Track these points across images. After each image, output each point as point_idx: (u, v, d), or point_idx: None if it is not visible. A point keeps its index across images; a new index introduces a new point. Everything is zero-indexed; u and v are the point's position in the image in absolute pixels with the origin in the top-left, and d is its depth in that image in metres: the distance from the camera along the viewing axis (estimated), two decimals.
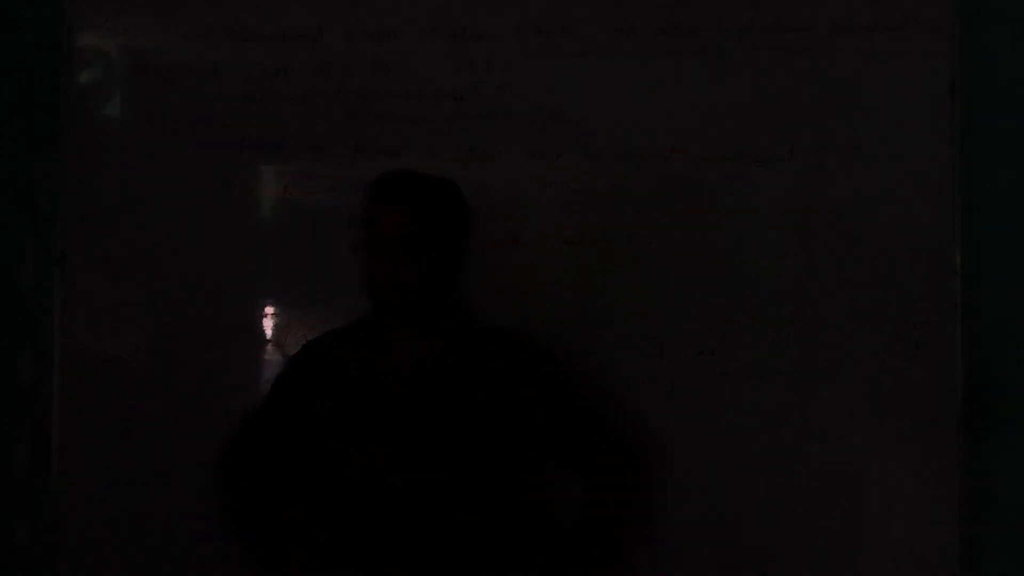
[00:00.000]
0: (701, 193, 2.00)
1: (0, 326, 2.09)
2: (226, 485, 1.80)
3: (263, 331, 2.02)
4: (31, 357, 2.07)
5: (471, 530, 1.64)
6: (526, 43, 2.01)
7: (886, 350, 1.97)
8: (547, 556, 1.72)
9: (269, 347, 2.01)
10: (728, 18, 2.00)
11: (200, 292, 2.01)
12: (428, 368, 1.68)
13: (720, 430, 1.97)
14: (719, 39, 2.00)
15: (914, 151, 1.98)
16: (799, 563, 1.96)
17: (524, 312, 1.97)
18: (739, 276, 1.99)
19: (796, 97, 1.99)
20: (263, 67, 2.02)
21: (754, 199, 2.00)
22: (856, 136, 1.98)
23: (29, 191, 2.09)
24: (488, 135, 2.00)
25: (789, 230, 2.00)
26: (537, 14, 2.01)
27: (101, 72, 2.03)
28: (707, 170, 1.99)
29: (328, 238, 2.00)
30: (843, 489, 1.97)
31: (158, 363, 2.00)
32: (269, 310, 2.02)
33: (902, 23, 1.98)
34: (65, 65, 2.03)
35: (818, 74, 1.99)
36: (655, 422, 1.96)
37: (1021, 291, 2.02)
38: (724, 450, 1.97)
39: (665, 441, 1.96)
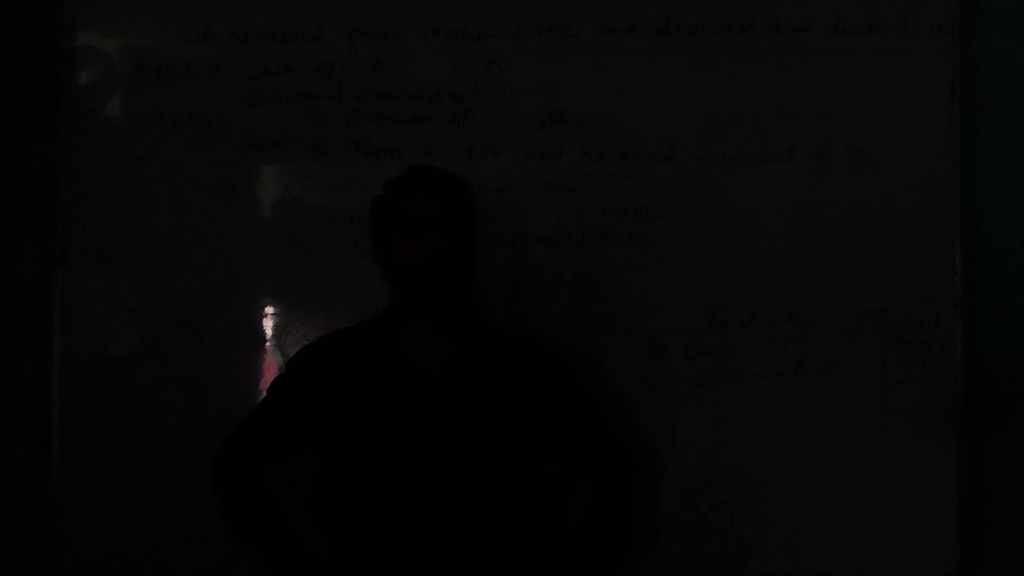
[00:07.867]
0: (701, 193, 2.00)
1: (0, 326, 2.09)
2: (222, 492, 1.78)
3: (263, 331, 2.02)
4: (31, 357, 2.07)
5: (488, 533, 1.63)
6: (526, 43, 2.01)
7: (886, 350, 1.97)
8: (556, 558, 1.74)
9: (269, 347, 2.01)
10: (728, 18, 2.00)
11: (200, 292, 2.01)
12: (451, 369, 1.65)
13: (720, 430, 1.98)
14: (719, 39, 2.00)
15: (914, 151, 1.98)
16: (799, 562, 1.97)
17: (524, 312, 1.97)
18: (739, 276, 2.00)
19: (796, 97, 1.99)
20: (263, 67, 2.02)
21: (754, 199, 2.00)
22: (856, 136, 1.99)
23: (29, 191, 2.09)
24: (488, 135, 2.00)
25: (789, 230, 2.00)
26: (537, 14, 2.01)
27: (101, 72, 2.03)
28: (707, 170, 2.00)
29: (328, 238, 2.00)
30: (843, 489, 1.97)
31: (158, 363, 2.00)
32: (269, 310, 2.02)
33: (902, 23, 1.99)
34: (65, 65, 2.03)
35: (818, 74, 1.99)
36: (655, 422, 1.97)
37: (1021, 291, 2.02)
38: (724, 450, 1.98)
39: (663, 442, 1.97)
